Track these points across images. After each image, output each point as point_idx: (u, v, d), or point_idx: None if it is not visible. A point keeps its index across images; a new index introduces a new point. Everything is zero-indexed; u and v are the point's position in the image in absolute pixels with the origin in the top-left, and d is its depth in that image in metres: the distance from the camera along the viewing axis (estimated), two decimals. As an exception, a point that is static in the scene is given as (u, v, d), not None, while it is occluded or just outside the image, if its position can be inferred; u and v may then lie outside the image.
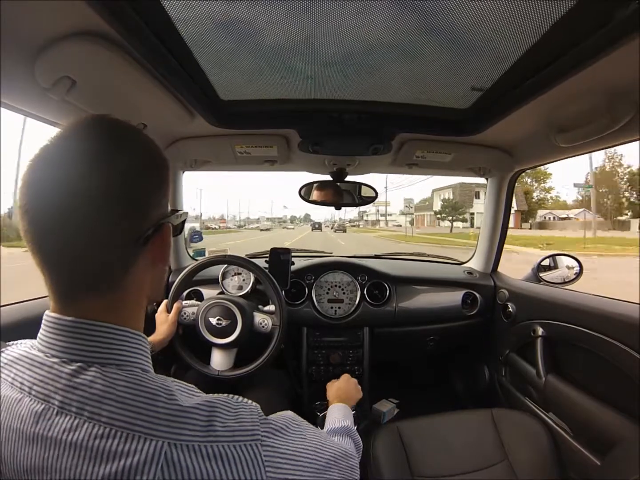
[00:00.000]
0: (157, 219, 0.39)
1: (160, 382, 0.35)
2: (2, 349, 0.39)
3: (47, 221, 0.33)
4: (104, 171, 0.34)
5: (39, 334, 0.37)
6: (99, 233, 0.34)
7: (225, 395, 0.39)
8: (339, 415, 0.78)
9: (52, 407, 0.32)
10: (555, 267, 1.37)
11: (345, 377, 0.99)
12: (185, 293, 1.26)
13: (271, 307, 1.08)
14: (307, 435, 0.46)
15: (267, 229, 41.33)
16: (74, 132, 0.36)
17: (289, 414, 0.49)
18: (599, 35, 0.51)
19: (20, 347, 0.38)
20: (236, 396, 0.39)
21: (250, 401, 0.40)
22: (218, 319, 1.02)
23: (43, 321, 0.36)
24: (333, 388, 0.93)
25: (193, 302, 1.11)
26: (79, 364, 0.33)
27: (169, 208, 0.43)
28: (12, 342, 0.41)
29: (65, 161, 0.34)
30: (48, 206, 0.33)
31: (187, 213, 0.50)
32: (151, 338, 0.97)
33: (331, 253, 1.75)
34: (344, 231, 32.35)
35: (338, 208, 1.41)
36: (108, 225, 0.34)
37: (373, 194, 1.36)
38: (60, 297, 0.36)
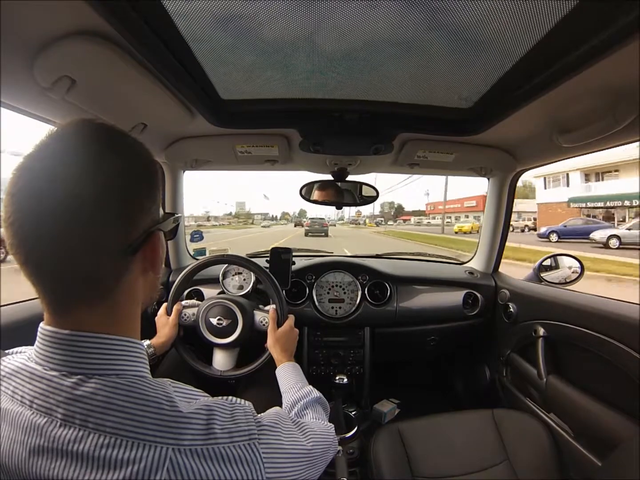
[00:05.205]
0: (146, 227, 0.37)
1: (160, 389, 0.35)
2: (2, 358, 0.39)
3: (33, 231, 0.32)
4: (89, 178, 0.33)
5: (35, 346, 0.36)
6: (85, 242, 0.33)
7: (221, 397, 0.40)
8: (293, 378, 0.76)
9: (55, 419, 0.32)
10: (557, 267, 1.37)
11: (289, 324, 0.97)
12: (185, 292, 1.26)
13: (272, 307, 1.07)
14: (297, 429, 0.48)
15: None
16: (60, 138, 0.34)
17: (278, 409, 0.51)
18: (601, 35, 0.51)
19: (17, 359, 0.38)
20: (230, 397, 0.41)
21: (243, 401, 0.41)
22: (219, 319, 1.02)
23: (38, 334, 0.36)
24: (273, 338, 0.91)
25: (193, 301, 1.11)
26: (79, 376, 0.33)
27: (161, 213, 0.42)
28: (8, 351, 0.41)
29: (50, 169, 0.32)
30: (33, 215, 0.31)
31: (180, 216, 0.49)
32: (153, 341, 0.97)
33: (332, 253, 1.76)
34: (325, 234, 19.12)
35: (339, 207, 1.41)
36: (94, 234, 0.33)
37: (374, 194, 1.36)
38: (54, 309, 0.35)
